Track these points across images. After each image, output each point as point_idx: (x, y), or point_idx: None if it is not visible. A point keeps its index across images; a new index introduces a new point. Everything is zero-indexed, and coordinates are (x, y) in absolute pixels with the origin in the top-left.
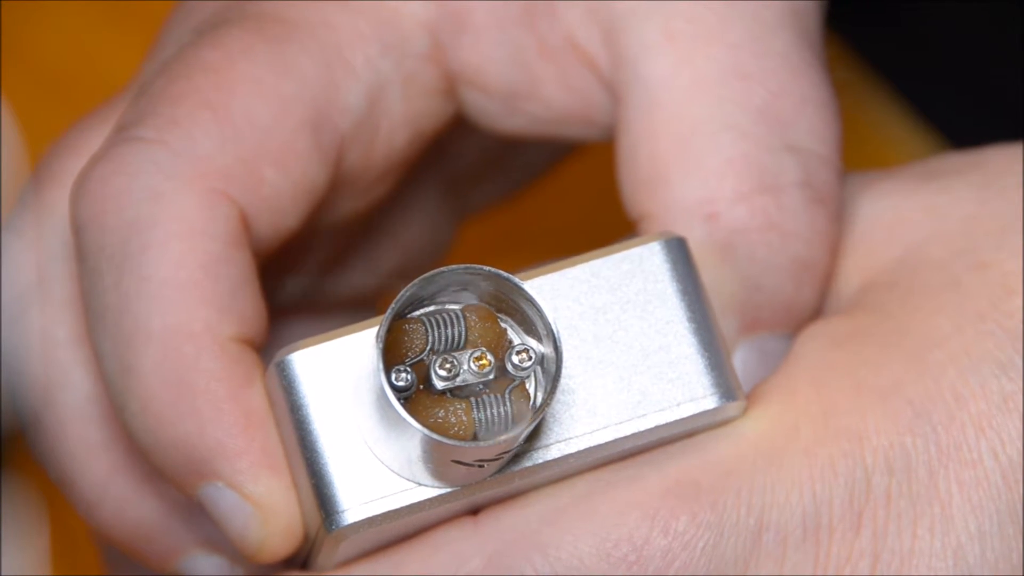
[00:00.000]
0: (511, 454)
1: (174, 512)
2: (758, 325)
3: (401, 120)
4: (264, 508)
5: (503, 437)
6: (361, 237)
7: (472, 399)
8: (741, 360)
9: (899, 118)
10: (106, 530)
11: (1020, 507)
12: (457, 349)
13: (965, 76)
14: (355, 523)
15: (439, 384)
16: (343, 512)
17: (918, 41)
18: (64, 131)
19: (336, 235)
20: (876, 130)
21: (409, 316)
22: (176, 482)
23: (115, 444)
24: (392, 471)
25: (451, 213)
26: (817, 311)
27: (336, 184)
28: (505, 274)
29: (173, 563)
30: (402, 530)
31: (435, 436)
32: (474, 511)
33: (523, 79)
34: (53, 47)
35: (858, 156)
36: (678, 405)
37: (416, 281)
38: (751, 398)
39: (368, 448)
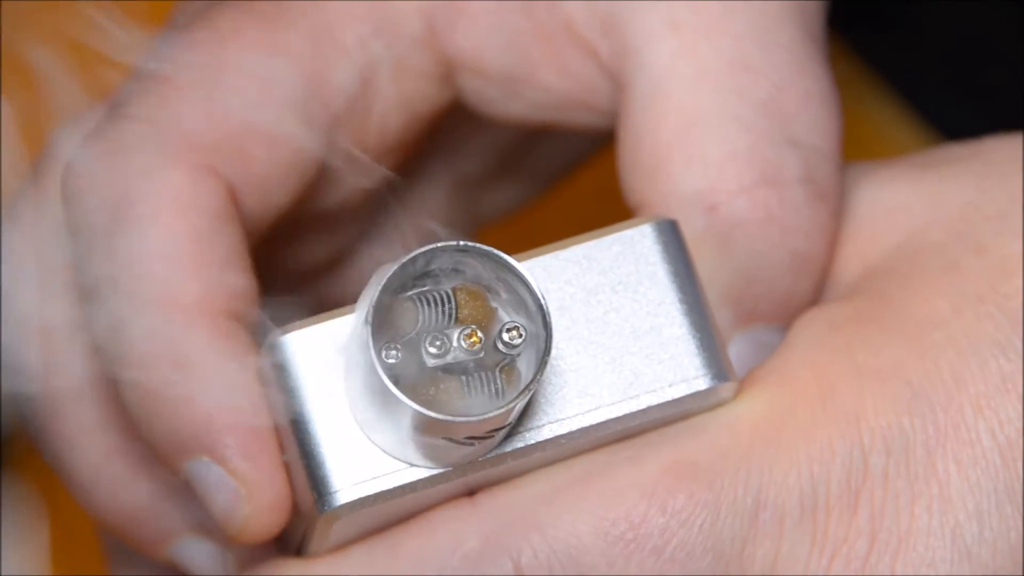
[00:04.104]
0: (503, 433)
1: (167, 496)
2: (754, 317)
3: (394, 102)
4: (249, 484)
5: (493, 412)
6: (368, 237)
7: (463, 377)
8: (736, 351)
9: (896, 116)
10: (100, 513)
11: (1018, 486)
12: (447, 327)
13: (962, 74)
14: (347, 503)
15: (430, 362)
16: (335, 493)
17: (915, 39)
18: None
19: (339, 229)
20: (873, 128)
21: (400, 295)
22: (164, 457)
23: (110, 427)
24: (384, 452)
25: (462, 218)
26: (814, 304)
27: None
28: (495, 251)
29: (165, 548)
30: (397, 513)
31: (425, 412)
32: (470, 494)
33: (520, 64)
34: (53, 48)
35: (855, 154)
36: (670, 386)
37: (407, 257)
38: (747, 382)
39: (360, 429)
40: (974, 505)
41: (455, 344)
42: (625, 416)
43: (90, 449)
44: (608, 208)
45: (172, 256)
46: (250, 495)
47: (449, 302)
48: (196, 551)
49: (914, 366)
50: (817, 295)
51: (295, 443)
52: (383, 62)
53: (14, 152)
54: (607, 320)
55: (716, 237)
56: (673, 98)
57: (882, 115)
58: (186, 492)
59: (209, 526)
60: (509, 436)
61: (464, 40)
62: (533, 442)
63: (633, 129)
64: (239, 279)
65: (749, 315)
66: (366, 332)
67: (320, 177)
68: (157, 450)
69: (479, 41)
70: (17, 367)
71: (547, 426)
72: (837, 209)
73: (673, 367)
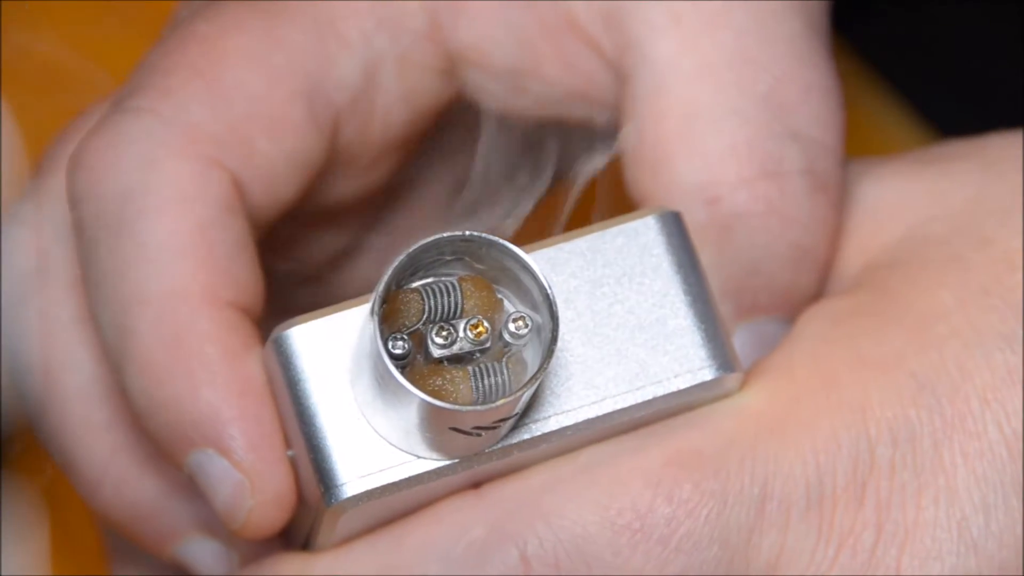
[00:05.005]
0: (509, 424)
1: (173, 494)
2: (756, 309)
3: (398, 97)
4: (254, 476)
5: (500, 401)
6: (371, 234)
7: (469, 368)
8: (739, 343)
9: (895, 114)
10: (106, 511)
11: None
12: (454, 318)
13: (962, 73)
14: (354, 496)
15: (436, 352)
16: (342, 486)
17: (915, 38)
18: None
19: (344, 225)
20: (873, 126)
21: (405, 287)
22: (168, 449)
23: (117, 424)
24: (391, 444)
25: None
26: (815, 297)
27: (334, 159)
28: (501, 241)
29: (171, 546)
30: (404, 505)
31: (433, 401)
32: (475, 487)
33: (524, 57)
34: (53, 47)
35: (854, 152)
36: (675, 377)
37: (413, 248)
38: (752, 375)
39: (366, 421)
40: (980, 497)
41: (461, 335)
42: (631, 407)
43: (96, 446)
44: (609, 205)
45: (178, 247)
46: (254, 487)
47: (455, 293)
48: (202, 549)
49: (918, 358)
50: (819, 287)
51: (301, 436)
52: (386, 56)
53: (14, 152)
54: (612, 312)
55: (717, 229)
56: (675, 92)
57: (881, 114)
58: (192, 489)
59: (215, 524)
60: (515, 428)
61: (467, 34)
62: (539, 433)
63: (635, 122)
64: (245, 271)
65: (751, 307)
66: (373, 323)
67: (325, 171)
68: (161, 442)
69: (482, 35)
70: (22, 365)
71: (553, 417)
72: (838, 201)
73: (678, 358)
